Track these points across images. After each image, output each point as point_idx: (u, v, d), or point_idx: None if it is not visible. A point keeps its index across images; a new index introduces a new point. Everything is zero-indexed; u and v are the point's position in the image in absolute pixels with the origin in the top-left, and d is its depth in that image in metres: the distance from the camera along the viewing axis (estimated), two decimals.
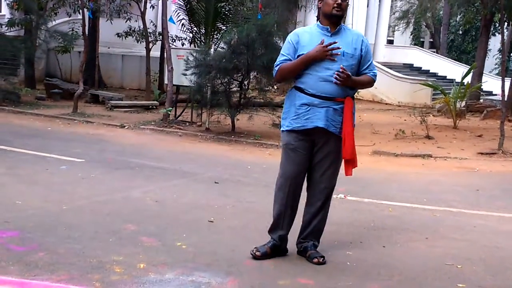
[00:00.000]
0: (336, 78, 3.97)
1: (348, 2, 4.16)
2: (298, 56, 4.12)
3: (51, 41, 16.30)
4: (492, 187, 7.85)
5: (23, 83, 17.18)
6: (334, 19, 4.10)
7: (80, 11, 15.24)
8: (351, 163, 4.19)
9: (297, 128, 4.14)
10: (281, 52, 4.25)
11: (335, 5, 4.03)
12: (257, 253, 4.23)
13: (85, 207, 5.49)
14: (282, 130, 4.28)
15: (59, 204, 5.48)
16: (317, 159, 4.22)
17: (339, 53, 4.02)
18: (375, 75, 4.24)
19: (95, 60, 17.57)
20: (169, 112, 12.32)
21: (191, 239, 4.65)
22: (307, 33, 4.21)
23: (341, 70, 3.96)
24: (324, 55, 4.01)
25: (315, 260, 4.24)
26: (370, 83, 4.25)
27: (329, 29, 4.12)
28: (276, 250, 4.30)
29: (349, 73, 4.00)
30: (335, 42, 4.02)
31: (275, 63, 4.25)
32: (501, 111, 11.61)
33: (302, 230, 4.39)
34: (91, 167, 7.41)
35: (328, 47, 4.00)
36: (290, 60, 4.16)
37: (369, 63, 4.19)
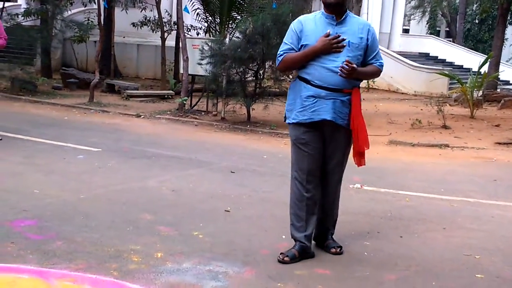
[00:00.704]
0: (341, 70, 3.83)
1: None
2: (302, 45, 3.99)
3: (67, 31, 16.36)
4: (510, 177, 7.77)
5: (39, 73, 17.28)
6: (331, 8, 3.94)
7: (96, 0, 15.26)
8: (363, 154, 4.14)
9: (303, 121, 4.01)
10: (284, 40, 4.10)
11: None
12: (286, 258, 4.01)
13: (102, 196, 5.52)
14: (289, 123, 4.14)
15: (76, 193, 5.52)
16: (328, 152, 4.10)
17: (345, 44, 3.89)
18: (382, 65, 4.12)
19: (111, 49, 17.62)
20: (185, 102, 12.33)
21: (208, 229, 4.66)
22: (311, 21, 4.04)
23: (345, 63, 3.82)
24: (330, 48, 3.88)
25: (333, 250, 4.23)
26: (376, 73, 4.15)
27: (334, 17, 3.97)
28: (304, 252, 4.10)
29: (355, 64, 3.86)
30: (339, 36, 3.88)
31: (278, 52, 4.11)
32: None
33: (319, 222, 4.28)
34: (108, 157, 7.45)
35: (333, 40, 3.87)
36: (293, 49, 4.02)
37: (375, 52, 4.07)
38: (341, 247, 4.26)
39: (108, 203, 5.27)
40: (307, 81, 3.99)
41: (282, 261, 4.00)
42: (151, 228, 4.61)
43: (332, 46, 3.88)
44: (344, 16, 3.98)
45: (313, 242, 4.29)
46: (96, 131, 9.67)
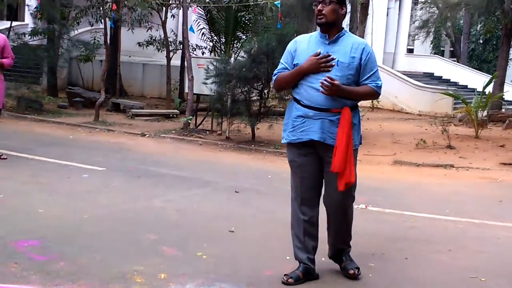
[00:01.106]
0: (321, 86, 3.78)
1: (336, 6, 3.88)
2: (294, 65, 4.00)
3: (73, 50, 16.48)
4: None
5: (45, 92, 17.37)
6: (322, 27, 3.94)
7: (102, 20, 15.39)
8: (343, 177, 3.85)
9: (293, 141, 4.01)
10: (281, 60, 4.13)
11: (317, 12, 3.91)
12: (290, 280, 3.97)
13: (106, 216, 5.51)
14: (283, 143, 4.16)
15: (80, 213, 5.51)
16: (327, 173, 4.00)
17: (333, 63, 3.85)
18: (378, 86, 3.95)
19: (117, 68, 17.73)
20: (190, 121, 12.36)
21: (212, 249, 4.65)
22: (305, 41, 4.06)
23: (325, 78, 3.77)
24: (318, 67, 3.85)
25: (351, 272, 4.12)
26: (370, 94, 3.98)
27: (327, 36, 3.95)
28: (308, 273, 4.06)
29: (340, 82, 3.78)
30: (328, 55, 3.86)
31: (274, 71, 4.15)
32: None
33: (330, 243, 4.26)
34: (112, 176, 7.46)
35: (321, 59, 3.86)
36: (287, 68, 4.05)
37: (371, 73, 3.92)
38: (358, 268, 4.16)
39: (112, 223, 5.26)
40: (298, 101, 3.99)
41: (286, 283, 3.97)
42: (155, 248, 4.59)
43: (320, 66, 3.86)
44: (337, 36, 3.94)
45: (328, 261, 4.30)
46: (101, 150, 9.69)
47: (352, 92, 3.89)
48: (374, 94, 3.99)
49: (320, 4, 3.90)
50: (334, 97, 3.83)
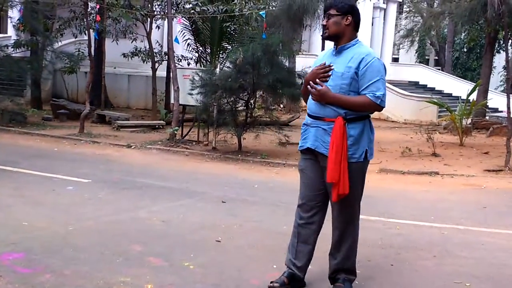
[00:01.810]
0: (310, 93, 3.91)
1: (339, 19, 3.90)
2: None
3: (57, 62, 16.41)
4: (500, 204, 7.80)
5: (29, 104, 17.30)
6: (329, 41, 4.01)
7: (86, 32, 15.37)
8: (336, 188, 3.81)
9: (300, 148, 4.11)
10: None
11: (322, 26, 4.01)
12: (275, 285, 3.98)
13: (92, 227, 5.48)
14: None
15: (65, 225, 5.48)
16: (327, 184, 3.95)
17: (330, 73, 3.89)
18: (375, 97, 3.82)
19: (101, 80, 17.69)
20: (176, 132, 12.36)
21: (199, 259, 4.64)
22: (322, 54, 4.19)
23: (312, 85, 3.87)
24: (316, 77, 3.91)
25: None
26: (367, 104, 3.85)
27: (336, 48, 3.99)
28: (294, 279, 4.04)
29: (328, 91, 3.82)
30: (327, 65, 3.92)
31: None
32: (507, 128, 11.57)
33: (330, 258, 4.16)
34: (98, 188, 7.42)
35: (320, 70, 3.93)
36: None
37: (369, 82, 3.83)
38: None
39: (98, 235, 5.23)
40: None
41: (271, 287, 3.99)
42: (141, 259, 4.58)
43: (318, 76, 3.91)
44: (341, 47, 3.95)
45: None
46: (86, 162, 9.65)
47: (345, 101, 3.84)
48: (372, 104, 3.83)
49: (325, 18, 3.95)
50: (327, 106, 3.85)
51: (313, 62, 4.18)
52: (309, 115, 4.00)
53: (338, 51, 3.96)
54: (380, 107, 3.88)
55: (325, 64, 3.94)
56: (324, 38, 4.03)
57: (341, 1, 3.91)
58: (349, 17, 3.91)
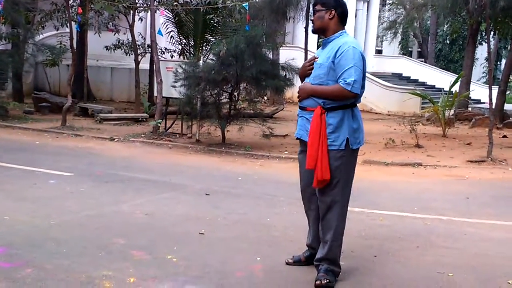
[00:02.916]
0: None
1: (322, 13, 4.05)
2: None
3: (38, 55, 16.26)
4: (482, 194, 7.86)
5: (10, 97, 17.10)
6: (317, 34, 4.25)
7: (68, 24, 15.20)
8: (315, 174, 3.93)
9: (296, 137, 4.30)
10: None
11: (312, 21, 4.20)
12: (289, 260, 4.41)
13: (74, 221, 5.44)
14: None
15: (47, 219, 5.43)
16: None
17: (313, 66, 4.09)
18: (347, 83, 3.85)
19: (84, 73, 17.53)
20: (159, 124, 12.29)
21: (182, 252, 4.62)
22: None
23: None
24: (305, 70, 4.14)
25: (317, 282, 3.99)
26: (339, 91, 3.89)
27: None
28: (311, 258, 4.32)
29: (312, 83, 4.03)
30: (314, 57, 4.13)
31: None
32: (489, 119, 11.66)
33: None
34: (80, 181, 7.36)
35: (306, 63, 4.15)
36: None
37: (342, 70, 3.88)
38: (329, 280, 4.00)
39: (80, 229, 5.19)
40: None
41: (286, 262, 4.40)
42: (124, 252, 4.55)
43: (306, 68, 4.14)
44: (325, 40, 4.13)
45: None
46: (68, 155, 9.56)
47: (320, 91, 3.97)
48: (343, 91, 3.86)
49: (314, 14, 4.14)
50: (309, 97, 4.04)
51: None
52: (299, 106, 4.22)
53: (323, 43, 4.15)
54: (352, 93, 3.90)
55: (314, 57, 4.14)
56: (312, 32, 4.25)
57: None
58: (332, 11, 4.05)
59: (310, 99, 4.03)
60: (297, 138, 4.26)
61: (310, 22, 4.21)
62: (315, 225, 4.30)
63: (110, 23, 17.51)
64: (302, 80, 4.20)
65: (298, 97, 4.14)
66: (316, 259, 4.14)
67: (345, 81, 3.87)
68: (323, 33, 4.14)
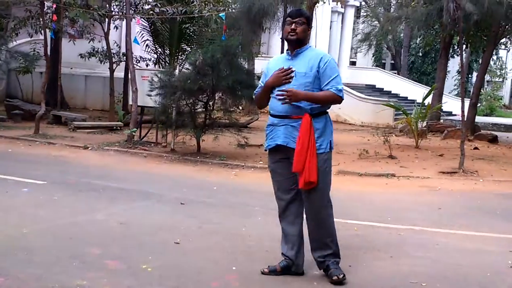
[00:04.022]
0: (280, 95, 4.18)
1: (306, 27, 4.34)
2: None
3: (11, 62, 16.09)
4: (454, 205, 7.97)
5: None
6: (291, 44, 4.35)
7: (42, 31, 15.07)
8: (302, 175, 4.20)
9: (267, 148, 4.45)
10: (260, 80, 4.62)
11: (290, 30, 4.31)
12: (265, 270, 4.44)
13: (47, 230, 5.37)
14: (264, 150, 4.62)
15: (19, 227, 5.35)
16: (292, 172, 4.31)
17: (293, 75, 4.24)
18: (338, 90, 4.28)
19: (57, 80, 17.36)
20: (134, 133, 12.22)
21: (157, 262, 4.60)
22: (275, 60, 4.59)
23: (281, 90, 4.20)
24: (280, 80, 4.26)
25: (335, 277, 4.29)
26: (331, 97, 4.29)
27: (290, 53, 4.39)
28: (286, 267, 4.43)
29: (298, 90, 4.17)
30: (289, 68, 4.25)
31: (254, 91, 4.62)
32: (461, 131, 11.85)
33: (312, 250, 4.50)
34: (53, 190, 7.28)
35: (282, 73, 4.25)
36: (262, 87, 4.48)
37: (330, 78, 4.27)
38: (344, 275, 4.33)
39: (53, 238, 5.13)
40: (270, 112, 4.43)
41: (262, 272, 4.43)
42: (98, 262, 4.51)
43: (282, 78, 4.26)
44: (297, 51, 4.35)
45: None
46: (41, 163, 9.45)
47: (315, 97, 4.25)
48: (335, 97, 4.28)
49: (294, 24, 4.30)
50: (293, 104, 4.20)
51: (265, 69, 4.53)
52: (275, 116, 4.35)
53: (295, 54, 4.36)
54: (341, 99, 4.34)
55: (283, 68, 4.28)
56: (290, 40, 4.35)
57: (305, 12, 4.47)
58: (310, 28, 4.43)
59: (294, 106, 4.20)
60: (271, 149, 4.39)
61: (289, 29, 4.29)
62: (291, 233, 4.43)
63: (76, 31, 17.35)
64: (270, 89, 4.34)
65: (284, 102, 4.19)
66: (321, 255, 4.41)
67: (337, 88, 4.29)
68: (299, 44, 4.35)
